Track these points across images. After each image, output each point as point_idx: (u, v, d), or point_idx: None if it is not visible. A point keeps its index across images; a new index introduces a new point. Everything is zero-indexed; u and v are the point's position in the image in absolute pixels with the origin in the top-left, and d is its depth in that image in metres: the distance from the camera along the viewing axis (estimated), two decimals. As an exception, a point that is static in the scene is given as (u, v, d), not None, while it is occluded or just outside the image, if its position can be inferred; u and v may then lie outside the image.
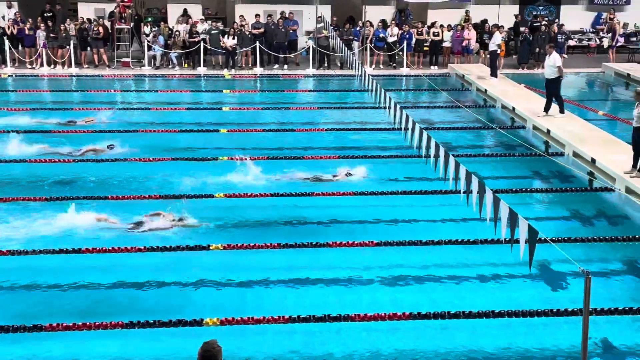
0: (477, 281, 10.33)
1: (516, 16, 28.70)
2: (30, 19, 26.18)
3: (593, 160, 14.91)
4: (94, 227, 11.74)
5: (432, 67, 26.63)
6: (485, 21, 27.80)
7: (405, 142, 15.23)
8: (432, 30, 26.77)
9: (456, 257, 10.90)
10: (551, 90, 18.28)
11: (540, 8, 29.97)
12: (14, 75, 24.75)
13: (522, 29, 27.39)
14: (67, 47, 25.45)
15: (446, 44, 26.75)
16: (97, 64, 26.19)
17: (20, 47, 26.18)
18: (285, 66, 26.53)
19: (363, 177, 14.43)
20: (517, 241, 8.18)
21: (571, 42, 28.79)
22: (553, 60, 18.01)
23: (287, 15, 27.09)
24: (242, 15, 27.19)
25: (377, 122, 18.52)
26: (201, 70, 25.80)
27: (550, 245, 8.70)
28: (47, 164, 15.06)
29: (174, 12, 28.57)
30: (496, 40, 23.14)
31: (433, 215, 12.52)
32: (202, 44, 25.68)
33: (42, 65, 25.61)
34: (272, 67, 26.50)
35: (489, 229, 9.43)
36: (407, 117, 14.18)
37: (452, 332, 8.91)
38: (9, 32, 25.71)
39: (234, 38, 25.76)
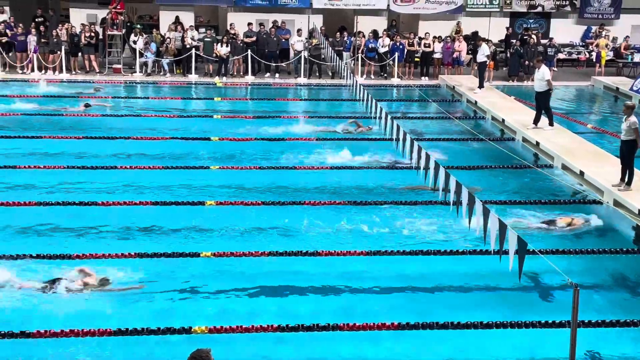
0: (465, 292, 10.37)
1: (507, 29, 28.90)
2: (21, 24, 26.13)
3: (582, 173, 15.01)
4: None
5: (422, 78, 26.74)
6: (476, 33, 27.98)
7: (396, 152, 15.31)
8: (423, 41, 26.91)
9: (445, 267, 10.93)
10: (541, 102, 18.40)
11: (531, 21, 30.18)
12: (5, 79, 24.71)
13: (512, 41, 27.59)
14: (58, 52, 25.41)
15: (437, 55, 26.88)
16: (87, 69, 26.16)
17: (11, 52, 26.08)
18: (277, 75, 26.58)
19: (353, 187, 14.46)
20: (506, 252, 8.23)
21: (561, 55, 29.00)
22: (542, 73, 18.13)
23: (279, 25, 27.18)
24: (232, 24, 27.23)
25: (367, 132, 18.59)
26: (192, 77, 25.81)
27: (538, 256, 8.76)
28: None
29: (165, 19, 28.57)
30: (484, 52, 23.30)
31: (422, 226, 12.54)
32: (194, 51, 25.70)
33: (32, 70, 25.54)
34: (263, 76, 26.54)
35: (478, 239, 9.48)
36: (398, 127, 14.24)
37: (440, 343, 8.94)
38: (1, 37, 25.63)
39: (227, 46, 25.80)
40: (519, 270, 7.88)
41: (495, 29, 29.20)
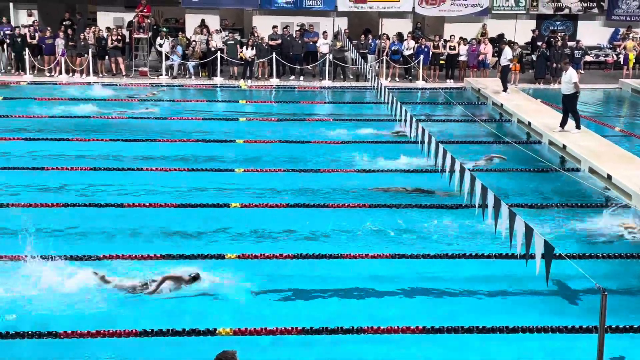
0: (490, 296, 10.30)
1: (533, 31, 28.70)
2: (49, 28, 26.42)
3: (609, 177, 14.85)
4: None
5: (447, 80, 26.63)
6: (502, 35, 27.82)
7: (422, 155, 15.26)
8: (448, 44, 26.80)
9: (470, 271, 10.87)
10: (568, 105, 18.22)
11: (557, 23, 29.92)
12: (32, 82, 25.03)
13: (539, 43, 27.38)
14: (86, 55, 25.67)
15: (462, 58, 26.75)
16: (114, 72, 26.39)
17: (39, 55, 26.37)
18: (301, 77, 26.62)
19: (378, 190, 14.43)
20: (533, 256, 8.17)
21: (588, 58, 28.71)
22: (569, 76, 17.97)
23: (307, 28, 27.24)
24: (255, 27, 27.31)
25: (392, 134, 18.54)
26: (218, 80, 25.94)
27: (565, 261, 8.68)
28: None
29: (191, 22, 28.75)
30: (507, 55, 23.13)
31: (447, 229, 12.48)
32: (219, 54, 25.84)
33: (60, 73, 25.84)
34: (288, 78, 26.59)
35: (504, 243, 9.42)
36: (423, 130, 14.21)
37: (465, 347, 8.88)
38: (29, 39, 25.92)
39: (252, 49, 25.90)
40: (546, 274, 7.82)
41: (521, 31, 29.01)
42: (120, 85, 24.93)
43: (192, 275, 10.12)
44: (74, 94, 23.40)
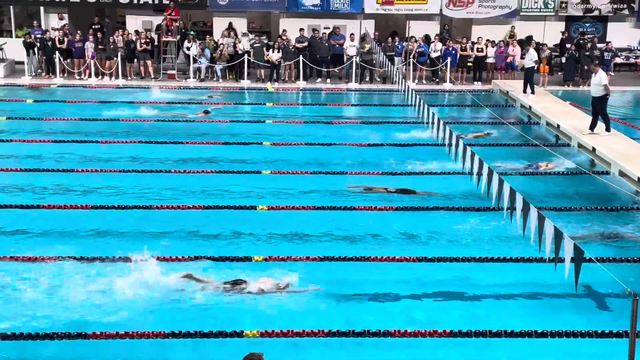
0: (519, 299, 10.22)
1: (562, 33, 28.43)
2: (79, 31, 26.73)
3: (639, 180, 14.66)
4: None
5: (475, 82, 26.47)
6: (530, 37, 27.60)
7: (449, 158, 15.18)
8: (476, 46, 26.64)
9: (499, 275, 10.79)
10: (597, 108, 18.03)
11: (587, 25, 29.59)
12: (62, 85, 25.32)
13: (568, 45, 27.12)
14: (115, 58, 25.92)
15: (490, 60, 26.57)
16: (143, 75, 26.62)
17: (69, 59, 26.67)
18: (328, 80, 26.62)
19: (406, 193, 14.39)
20: (562, 260, 8.09)
21: (618, 60, 28.36)
22: (599, 78, 17.77)
23: (334, 31, 27.25)
24: (284, 30, 27.38)
25: (419, 137, 18.48)
26: (245, 83, 26.04)
27: (595, 265, 8.59)
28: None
29: (219, 25, 28.89)
30: (532, 57, 22.90)
31: (475, 232, 12.41)
32: (246, 57, 25.95)
33: (90, 76, 26.12)
34: (314, 81, 26.62)
35: (532, 247, 9.34)
36: (451, 133, 14.15)
37: (493, 351, 8.82)
38: (58, 44, 26.23)
39: (278, 52, 25.97)
40: (575, 278, 7.74)
41: (550, 33, 28.74)
42: (148, 87, 25.06)
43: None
44: (101, 97, 23.62)
